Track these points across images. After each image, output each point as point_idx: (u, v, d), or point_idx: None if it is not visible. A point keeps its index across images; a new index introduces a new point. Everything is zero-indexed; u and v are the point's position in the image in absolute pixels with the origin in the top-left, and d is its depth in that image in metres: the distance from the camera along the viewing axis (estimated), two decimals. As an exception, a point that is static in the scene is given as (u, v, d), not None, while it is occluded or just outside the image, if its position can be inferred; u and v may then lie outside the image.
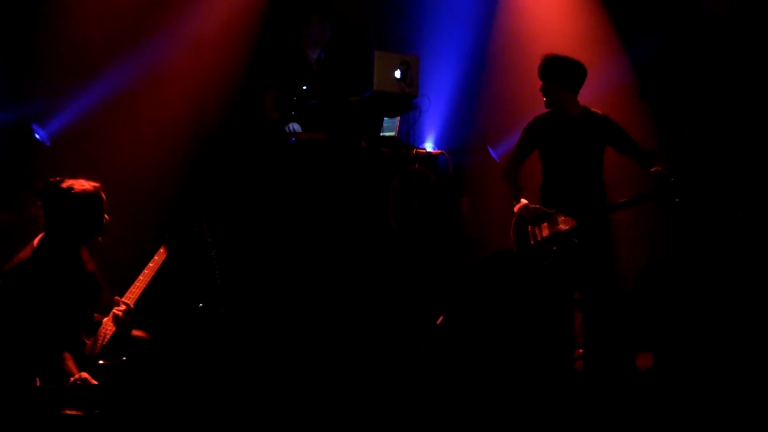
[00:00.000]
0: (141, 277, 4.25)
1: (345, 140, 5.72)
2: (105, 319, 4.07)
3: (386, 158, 5.84)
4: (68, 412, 3.55)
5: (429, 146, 6.40)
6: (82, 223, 3.99)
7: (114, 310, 4.08)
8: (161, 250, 4.41)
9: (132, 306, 4.11)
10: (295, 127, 5.69)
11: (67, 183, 3.98)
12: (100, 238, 4.10)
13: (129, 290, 4.18)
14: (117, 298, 4.13)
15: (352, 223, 5.64)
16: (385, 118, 6.04)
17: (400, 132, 6.13)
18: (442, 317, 5.35)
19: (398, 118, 6.12)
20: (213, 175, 5.82)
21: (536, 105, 6.29)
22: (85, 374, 3.74)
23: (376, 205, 5.75)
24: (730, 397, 4.52)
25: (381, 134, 6.02)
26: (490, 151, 6.58)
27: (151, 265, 4.31)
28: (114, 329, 4.05)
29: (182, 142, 5.70)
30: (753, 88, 6.00)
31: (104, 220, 4.08)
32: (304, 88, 5.91)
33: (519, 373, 4.95)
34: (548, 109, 5.16)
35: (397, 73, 5.69)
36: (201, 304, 4.85)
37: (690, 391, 4.78)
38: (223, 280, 4.75)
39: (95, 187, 4.05)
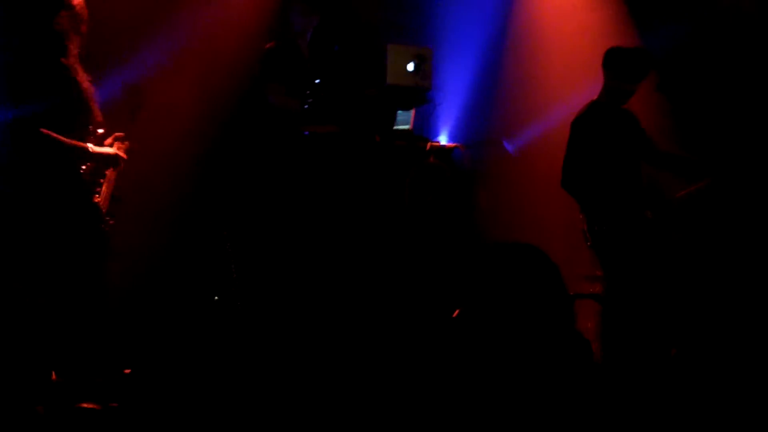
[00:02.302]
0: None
1: (359, 134, 5.68)
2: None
3: (401, 152, 5.80)
4: (85, 405, 3.52)
5: (444, 139, 6.36)
6: None
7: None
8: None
9: None
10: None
11: None
12: None
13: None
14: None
15: (367, 217, 5.61)
16: (400, 112, 6.00)
17: (414, 125, 6.09)
18: (457, 311, 5.30)
19: (413, 111, 6.07)
20: (228, 169, 5.79)
21: (552, 98, 6.27)
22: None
23: (391, 199, 5.71)
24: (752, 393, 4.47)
25: (395, 128, 5.97)
26: (506, 144, 6.54)
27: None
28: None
29: (195, 134, 5.66)
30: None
31: None
32: (317, 81, 5.87)
33: (534, 367, 4.90)
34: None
35: (411, 66, 5.66)
36: (216, 297, 4.83)
37: (711, 384, 4.73)
38: (238, 274, 4.73)
39: None
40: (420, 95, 5.87)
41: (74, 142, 3.91)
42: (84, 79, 4.05)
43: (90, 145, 3.98)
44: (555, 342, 3.64)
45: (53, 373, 3.66)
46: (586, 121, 4.99)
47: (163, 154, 5.27)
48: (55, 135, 3.84)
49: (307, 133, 5.62)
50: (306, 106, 5.73)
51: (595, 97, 5.08)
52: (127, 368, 3.91)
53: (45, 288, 3.83)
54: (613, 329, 4.98)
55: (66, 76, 3.93)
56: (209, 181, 5.70)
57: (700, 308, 5.37)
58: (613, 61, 4.99)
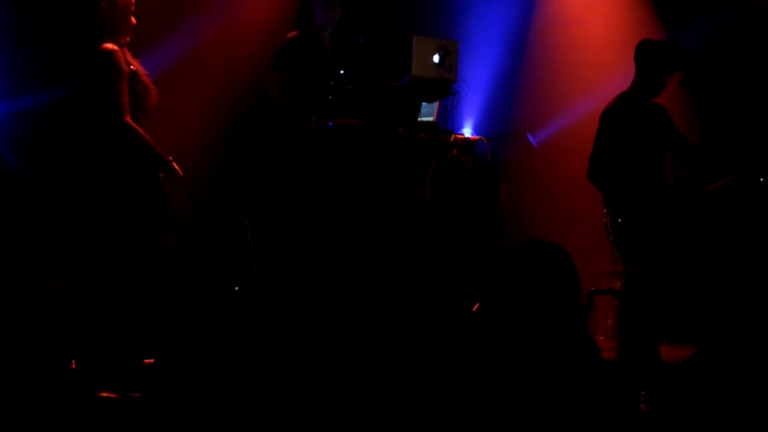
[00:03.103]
0: None
1: (382, 126, 5.69)
2: None
3: (424, 144, 5.79)
4: (104, 394, 3.59)
5: (467, 132, 6.34)
6: None
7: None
8: None
9: None
10: None
11: None
12: None
13: None
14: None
15: (389, 209, 5.62)
16: (424, 104, 5.99)
17: (438, 118, 6.08)
18: (478, 304, 5.30)
19: (437, 104, 6.06)
20: (249, 160, 5.82)
21: (576, 92, 6.22)
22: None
23: (414, 191, 5.72)
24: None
25: (420, 119, 5.97)
26: (530, 137, 6.51)
27: None
28: None
29: (217, 127, 5.70)
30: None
31: None
32: (342, 72, 5.88)
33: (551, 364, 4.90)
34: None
35: (436, 58, 5.64)
36: (237, 288, 4.88)
37: (732, 384, 4.69)
38: (259, 266, 4.77)
39: None
40: (445, 87, 5.85)
41: (160, 150, 4.28)
42: (132, 64, 4.22)
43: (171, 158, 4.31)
44: (562, 344, 3.65)
45: (73, 361, 3.73)
46: (616, 113, 4.97)
47: (183, 147, 5.33)
48: (146, 138, 4.18)
49: (330, 124, 5.64)
50: (330, 98, 5.74)
51: (625, 89, 5.05)
52: (148, 358, 3.98)
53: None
54: (631, 325, 4.96)
55: (104, 63, 4.06)
56: (230, 174, 5.75)
57: (721, 306, 5.33)
58: (644, 53, 4.96)
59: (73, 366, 3.71)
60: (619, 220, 4.89)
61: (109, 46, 4.10)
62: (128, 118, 4.14)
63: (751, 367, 4.70)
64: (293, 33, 5.52)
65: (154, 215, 4.21)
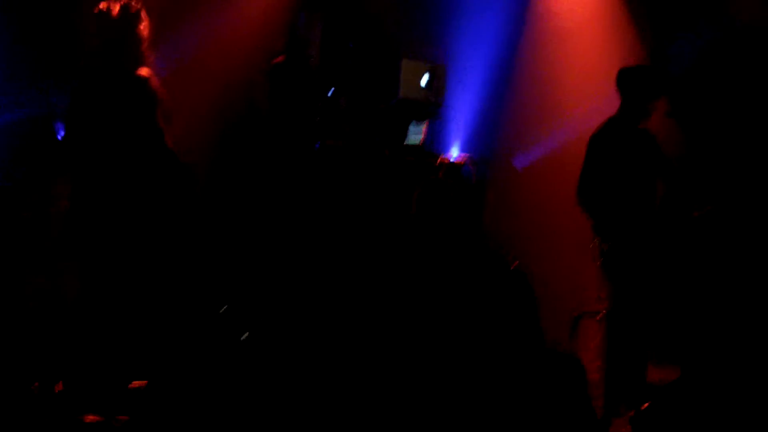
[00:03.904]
0: None
1: (369, 148, 5.71)
2: None
3: (410, 167, 5.82)
4: (90, 417, 3.56)
5: (454, 155, 6.38)
6: None
7: None
8: None
9: None
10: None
11: None
12: None
13: None
14: None
15: (375, 231, 5.63)
16: (411, 126, 6.03)
17: (425, 140, 6.11)
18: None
19: (424, 126, 6.10)
20: (236, 177, 5.81)
21: (562, 115, 6.27)
22: None
23: (399, 213, 5.73)
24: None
25: (406, 142, 6.00)
26: (514, 160, 6.56)
27: None
28: None
29: (204, 142, 5.68)
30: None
31: None
32: (330, 93, 5.90)
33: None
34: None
35: (424, 82, 5.69)
36: (223, 309, 4.86)
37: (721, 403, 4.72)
38: (244, 285, 4.76)
39: None
40: (432, 110, 5.91)
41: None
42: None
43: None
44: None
45: (60, 382, 3.69)
46: (604, 138, 5.01)
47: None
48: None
49: (318, 145, 5.65)
50: (318, 119, 5.77)
51: (611, 114, 5.09)
52: (134, 380, 3.94)
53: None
54: (616, 348, 4.99)
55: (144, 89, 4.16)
56: (217, 190, 5.73)
57: (707, 331, 5.37)
58: (624, 80, 5.01)
59: (60, 387, 3.67)
60: (606, 247, 4.92)
61: (146, 70, 4.14)
62: (170, 143, 4.19)
63: (737, 388, 4.74)
64: (278, 58, 5.55)
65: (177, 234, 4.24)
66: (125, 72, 4.10)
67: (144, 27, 4.16)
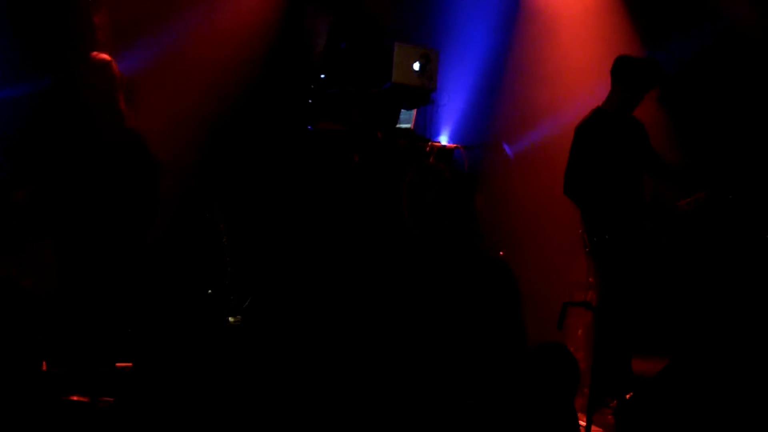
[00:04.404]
0: None
1: (362, 131, 5.69)
2: None
3: (402, 151, 5.81)
4: (75, 398, 3.56)
5: (444, 140, 6.37)
6: None
7: None
8: None
9: None
10: None
11: None
12: None
13: None
14: None
15: (366, 215, 5.63)
16: (402, 111, 6.01)
17: (416, 125, 6.10)
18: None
19: (414, 111, 6.08)
20: (227, 163, 5.81)
21: (553, 103, 6.25)
22: None
23: (391, 198, 5.72)
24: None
25: (397, 126, 5.99)
26: (506, 147, 6.55)
27: None
28: None
29: (196, 130, 5.67)
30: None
31: None
32: (322, 76, 5.88)
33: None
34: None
35: (416, 66, 5.66)
36: (210, 291, 4.85)
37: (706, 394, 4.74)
38: (234, 269, 4.76)
39: None
40: (424, 95, 5.88)
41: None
42: None
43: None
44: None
45: (44, 363, 3.69)
46: (590, 127, 4.98)
47: (163, 147, 5.30)
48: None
49: (310, 128, 5.63)
50: (310, 101, 5.75)
51: (600, 104, 5.07)
52: (120, 362, 3.95)
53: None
54: (604, 338, 5.00)
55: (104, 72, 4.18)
56: (209, 174, 5.72)
57: (694, 319, 5.39)
58: (622, 69, 4.97)
59: (44, 367, 3.66)
60: (595, 238, 4.91)
61: (106, 56, 4.17)
62: (129, 123, 4.24)
63: (724, 380, 4.77)
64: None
65: (145, 214, 4.24)
66: (82, 56, 4.16)
67: (100, 16, 4.21)
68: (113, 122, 4.26)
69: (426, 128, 6.11)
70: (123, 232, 4.24)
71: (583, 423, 4.25)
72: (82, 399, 3.56)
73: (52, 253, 4.16)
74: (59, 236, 4.20)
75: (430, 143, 5.91)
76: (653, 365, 5.23)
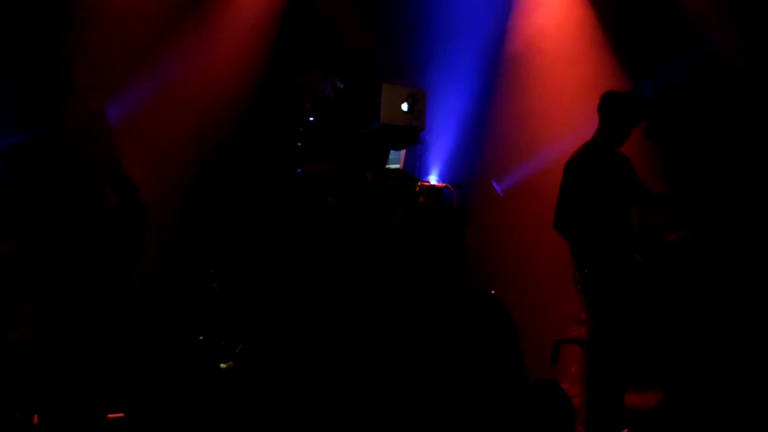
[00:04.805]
0: None
1: (351, 172, 5.72)
2: None
3: (391, 191, 5.83)
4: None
5: (434, 179, 6.40)
6: None
7: None
8: None
9: None
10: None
11: None
12: None
13: None
14: None
15: (356, 255, 5.63)
16: (391, 151, 6.05)
17: (405, 164, 6.13)
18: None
19: (404, 151, 6.12)
20: (217, 207, 5.82)
21: (540, 141, 6.29)
22: None
23: (381, 237, 5.73)
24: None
25: (386, 166, 6.02)
26: (494, 185, 6.57)
27: None
28: None
29: (185, 175, 5.69)
30: (760, 132, 5.99)
31: None
32: (311, 119, 5.92)
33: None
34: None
35: (404, 106, 5.71)
36: (201, 337, 4.85)
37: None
38: (225, 315, 4.75)
39: None
40: (413, 135, 5.93)
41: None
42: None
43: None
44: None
45: (35, 416, 3.67)
46: (580, 163, 5.02)
47: (151, 186, 5.31)
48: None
49: (299, 170, 5.66)
50: (299, 144, 5.78)
51: (588, 140, 5.11)
52: (110, 412, 3.92)
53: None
54: (597, 373, 5.00)
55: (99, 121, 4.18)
56: (199, 219, 5.72)
57: (686, 354, 5.38)
58: (609, 104, 5.02)
59: (35, 421, 3.64)
60: (585, 271, 4.93)
61: (97, 104, 4.18)
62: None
63: (717, 413, 4.75)
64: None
65: (129, 261, 4.22)
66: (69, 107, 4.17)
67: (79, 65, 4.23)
68: (113, 168, 4.22)
69: (415, 168, 6.14)
70: (106, 279, 4.19)
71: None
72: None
73: (32, 305, 4.12)
74: (41, 286, 4.15)
75: (419, 183, 5.94)
76: (646, 399, 5.23)
